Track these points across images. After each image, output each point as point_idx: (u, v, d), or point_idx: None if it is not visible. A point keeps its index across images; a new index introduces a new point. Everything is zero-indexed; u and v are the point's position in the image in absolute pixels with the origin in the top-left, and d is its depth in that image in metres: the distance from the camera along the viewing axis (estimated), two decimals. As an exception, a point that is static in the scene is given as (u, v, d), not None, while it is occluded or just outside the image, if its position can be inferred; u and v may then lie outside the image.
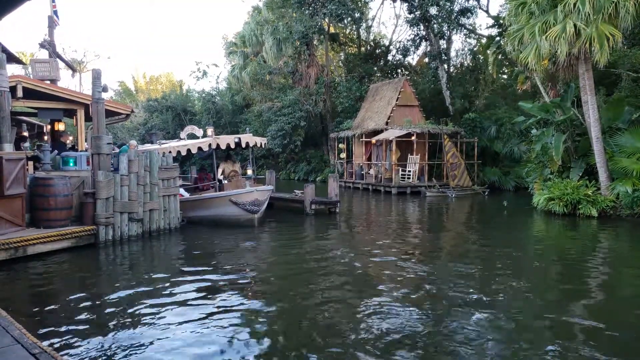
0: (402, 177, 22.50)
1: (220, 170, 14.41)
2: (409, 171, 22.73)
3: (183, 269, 8.37)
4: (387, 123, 23.95)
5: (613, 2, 12.54)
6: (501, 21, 24.01)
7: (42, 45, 15.64)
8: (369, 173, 24.82)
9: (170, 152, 12.23)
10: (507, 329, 5.46)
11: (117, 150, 12.65)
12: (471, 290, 6.87)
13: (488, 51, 28.39)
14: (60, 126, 15.63)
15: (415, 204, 18.40)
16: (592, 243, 11.08)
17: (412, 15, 27.40)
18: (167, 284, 7.21)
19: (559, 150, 14.73)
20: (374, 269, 8.26)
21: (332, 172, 26.86)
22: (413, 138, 22.49)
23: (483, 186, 22.40)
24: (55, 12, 15.95)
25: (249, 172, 13.49)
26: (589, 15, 12.75)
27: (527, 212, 15.45)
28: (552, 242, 11.36)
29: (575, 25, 12.95)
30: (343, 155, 27.65)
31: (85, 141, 14.45)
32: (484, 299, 6.46)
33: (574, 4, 12.95)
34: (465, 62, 32.69)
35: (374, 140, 24.22)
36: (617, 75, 18.26)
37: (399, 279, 7.54)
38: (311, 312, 6.01)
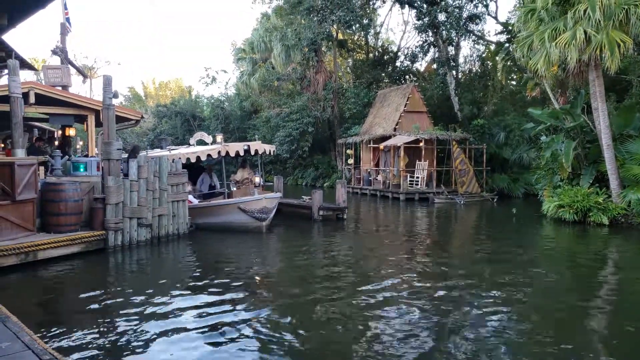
0: (410, 184, 22.42)
1: (238, 177, 14.50)
2: (417, 177, 22.65)
3: (192, 274, 8.39)
4: (395, 129, 23.92)
5: (624, 8, 12.46)
6: (510, 27, 23.95)
7: (54, 52, 15.83)
8: (376, 179, 24.76)
9: (179, 158, 12.29)
10: (514, 336, 5.40)
11: (125, 155, 12.74)
12: (479, 298, 6.81)
13: (497, 57, 28.30)
14: (71, 132, 15.79)
15: (424, 210, 18.32)
16: (603, 252, 10.96)
17: (420, 22, 27.41)
18: (176, 290, 7.23)
19: (569, 157, 14.60)
20: (380, 275, 8.22)
21: (340, 178, 26.85)
22: (421, 144, 22.43)
23: (492, 193, 22.26)
24: (67, 19, 16.16)
25: (257, 179, 13.51)
26: (600, 21, 12.67)
27: (536, 219, 15.32)
28: (562, 250, 11.24)
29: (585, 32, 12.87)
30: (351, 161, 27.61)
31: (96, 147, 14.56)
32: (492, 307, 6.41)
33: (584, 11, 12.88)
34: (473, 69, 32.61)
35: (382, 146, 24.17)
36: (627, 81, 18.13)
37: (407, 285, 7.49)
38: (319, 318, 5.99)
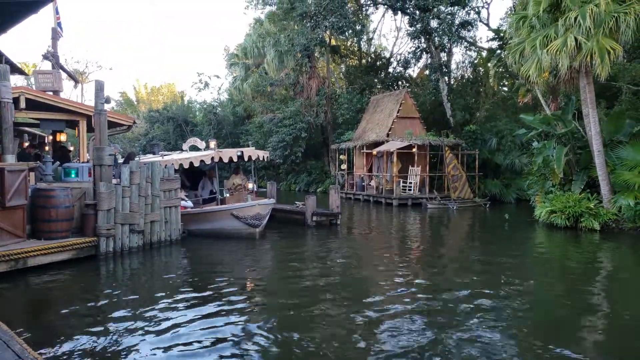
0: (403, 189, 22.47)
1: (230, 183, 14.45)
2: (410, 183, 22.72)
3: (184, 282, 8.31)
4: (388, 135, 24.00)
5: (614, 16, 12.62)
6: (502, 34, 24.19)
7: (45, 57, 15.70)
8: (370, 184, 24.79)
9: (172, 164, 12.21)
10: (504, 343, 5.39)
11: (120, 160, 12.65)
12: (470, 305, 6.80)
13: (489, 64, 28.58)
14: (62, 137, 15.66)
15: (417, 216, 18.35)
16: (594, 257, 11.01)
17: (413, 28, 27.59)
18: (167, 297, 7.16)
19: (561, 162, 14.71)
20: (375, 282, 8.20)
21: (333, 183, 26.85)
22: (414, 150, 22.51)
23: (484, 198, 22.37)
24: (59, 24, 16.05)
25: (251, 185, 13.46)
26: (590, 29, 12.82)
27: (528, 224, 15.40)
28: (554, 256, 11.29)
29: (576, 39, 13.02)
30: (344, 166, 27.65)
31: (87, 152, 14.43)
32: (487, 313, 6.40)
33: (575, 18, 13.03)
34: (465, 75, 32.85)
35: (375, 151, 24.23)
36: (617, 88, 18.34)
37: (399, 291, 7.48)
38: (312, 326, 5.95)
